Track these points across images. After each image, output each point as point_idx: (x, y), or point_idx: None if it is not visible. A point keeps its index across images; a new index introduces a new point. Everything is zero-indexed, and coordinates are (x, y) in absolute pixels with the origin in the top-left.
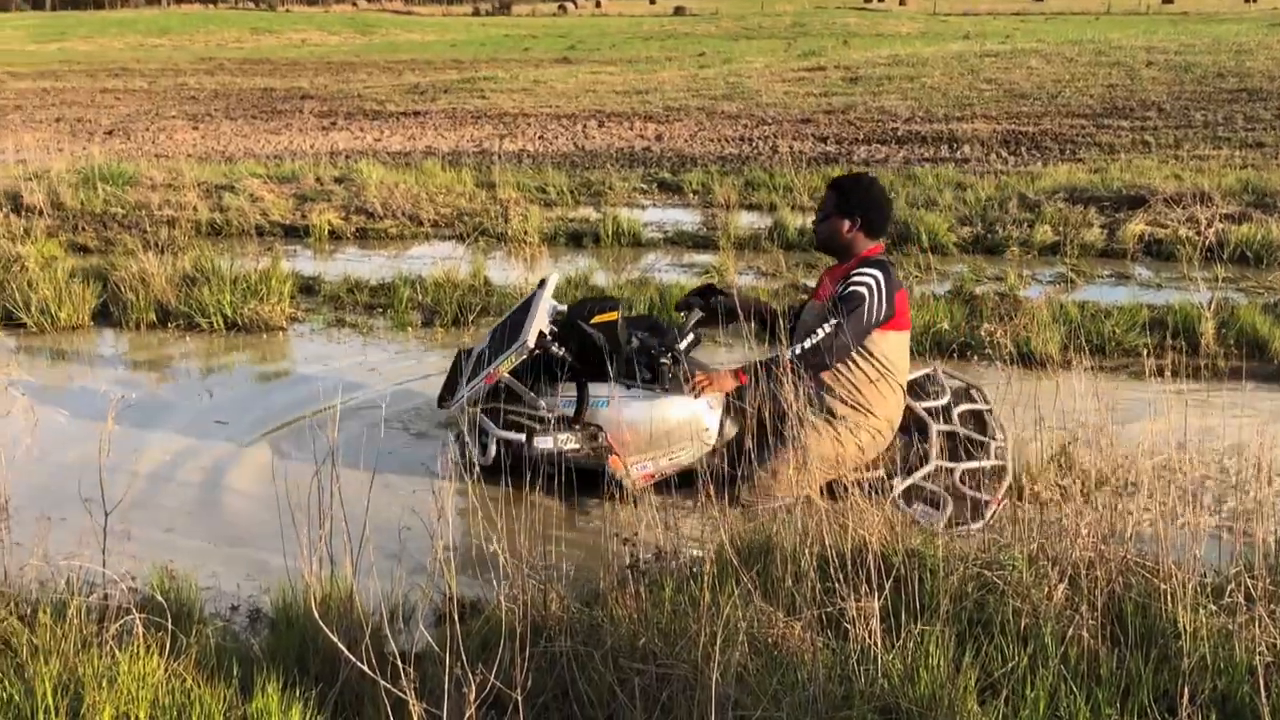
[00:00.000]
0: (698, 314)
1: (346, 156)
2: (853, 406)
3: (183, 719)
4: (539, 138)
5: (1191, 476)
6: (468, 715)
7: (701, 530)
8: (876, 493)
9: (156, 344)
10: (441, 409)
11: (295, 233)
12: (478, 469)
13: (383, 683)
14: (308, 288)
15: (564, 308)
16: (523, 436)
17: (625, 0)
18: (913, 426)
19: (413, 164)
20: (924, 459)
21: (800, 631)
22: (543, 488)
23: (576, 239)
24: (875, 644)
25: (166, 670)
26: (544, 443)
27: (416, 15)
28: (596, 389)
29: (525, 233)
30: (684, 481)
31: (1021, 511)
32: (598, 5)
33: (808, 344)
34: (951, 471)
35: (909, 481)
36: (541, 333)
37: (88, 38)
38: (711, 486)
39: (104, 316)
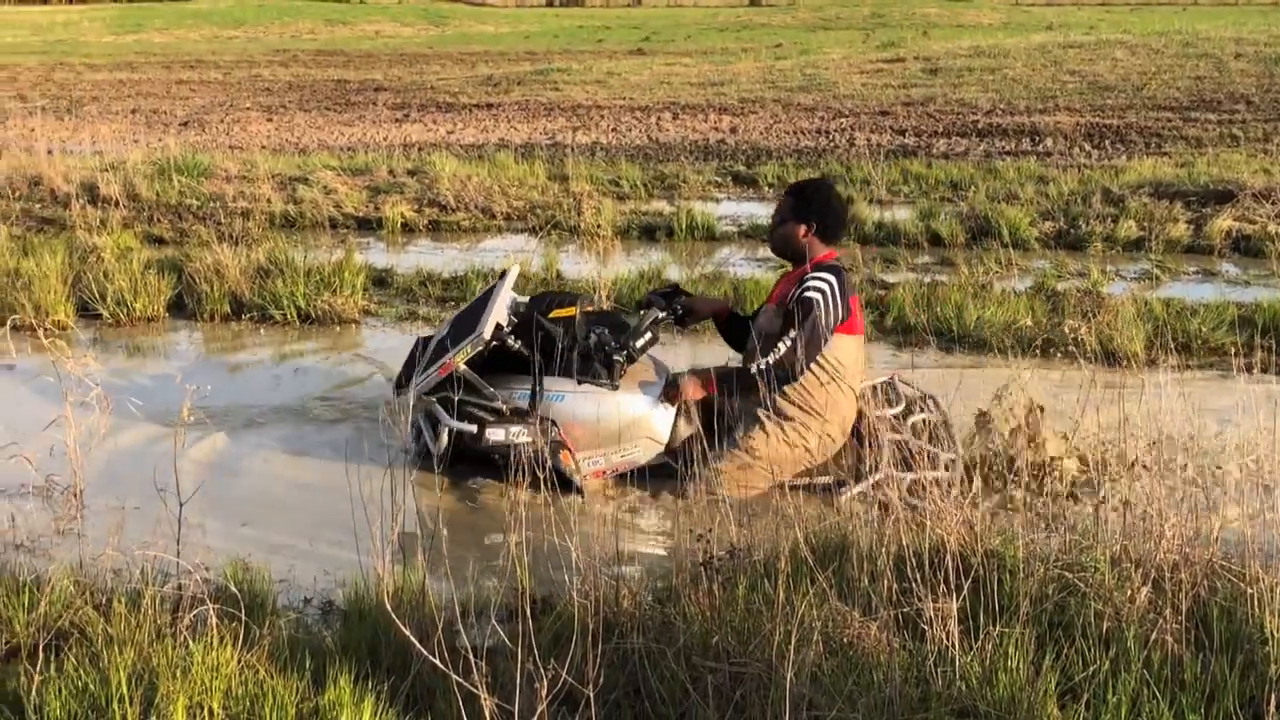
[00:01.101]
0: (656, 313)
1: (419, 149)
2: (803, 409)
3: (255, 710)
4: (612, 130)
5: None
6: (539, 711)
7: (776, 528)
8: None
9: (230, 336)
10: (397, 396)
11: (368, 225)
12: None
13: (455, 677)
14: (380, 280)
15: (525, 300)
16: (474, 428)
17: None
18: (865, 433)
19: (485, 156)
20: (874, 466)
21: (876, 632)
22: (616, 483)
23: (650, 232)
24: (953, 645)
25: (239, 661)
26: (496, 435)
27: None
28: (552, 383)
29: (598, 226)
30: (648, 475)
31: (1103, 512)
32: None
33: (771, 359)
34: (901, 481)
35: (859, 488)
36: (499, 324)
37: (164, 29)
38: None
39: (178, 308)
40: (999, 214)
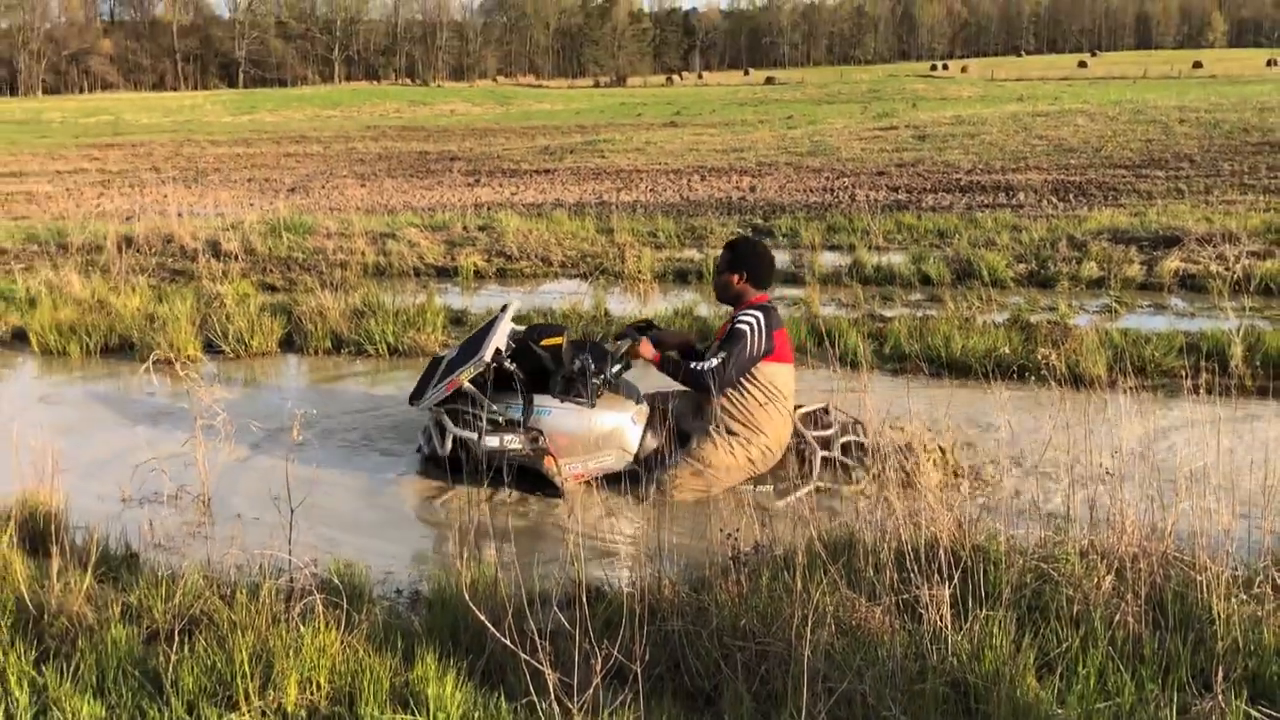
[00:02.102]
0: (629, 343)
1: (488, 208)
2: (744, 424)
3: (356, 684)
4: (650, 190)
5: (1222, 480)
6: (594, 684)
7: (793, 527)
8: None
9: (332, 367)
10: (412, 406)
11: (446, 273)
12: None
13: (523, 655)
14: (456, 319)
15: (522, 330)
16: (475, 435)
17: (723, 73)
18: (802, 450)
19: (544, 214)
20: (806, 478)
21: (880, 615)
22: (657, 493)
23: (683, 276)
24: (946, 627)
25: (342, 643)
26: (492, 441)
27: (546, 88)
28: (540, 400)
29: (639, 271)
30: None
31: (1073, 511)
32: (700, 77)
33: (703, 367)
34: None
35: (793, 497)
36: (498, 350)
37: (274, 110)
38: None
39: (288, 344)
40: (980, 258)
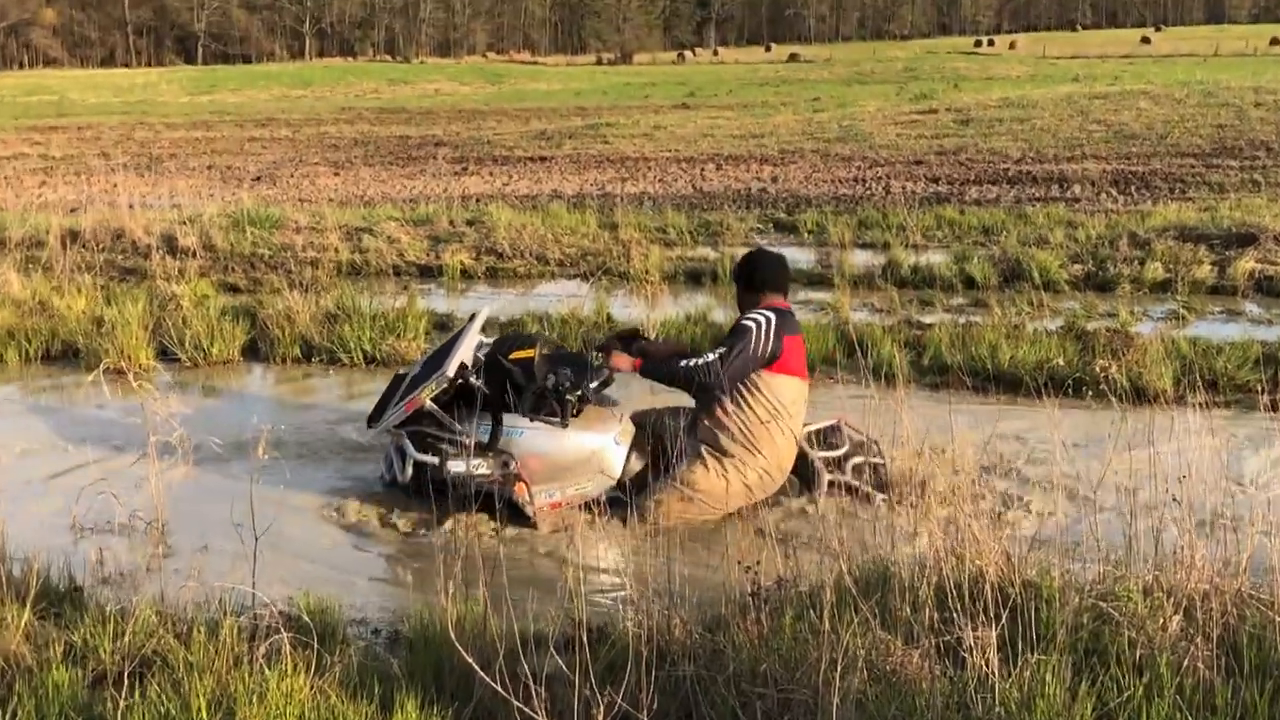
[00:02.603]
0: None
1: (477, 200)
2: (743, 445)
3: None
4: (659, 180)
5: None
6: None
7: (820, 560)
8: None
9: (301, 378)
10: (370, 430)
11: (429, 272)
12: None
13: (515, 703)
14: (441, 324)
15: (490, 342)
16: (437, 460)
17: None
18: (808, 474)
19: (539, 207)
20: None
21: (918, 660)
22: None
23: (695, 277)
24: (992, 673)
25: (312, 688)
26: (457, 466)
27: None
28: (511, 419)
29: (646, 271)
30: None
31: (1136, 543)
32: (715, 54)
33: (698, 362)
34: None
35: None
36: (463, 364)
37: (236, 90)
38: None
39: (252, 352)
40: (1030, 257)
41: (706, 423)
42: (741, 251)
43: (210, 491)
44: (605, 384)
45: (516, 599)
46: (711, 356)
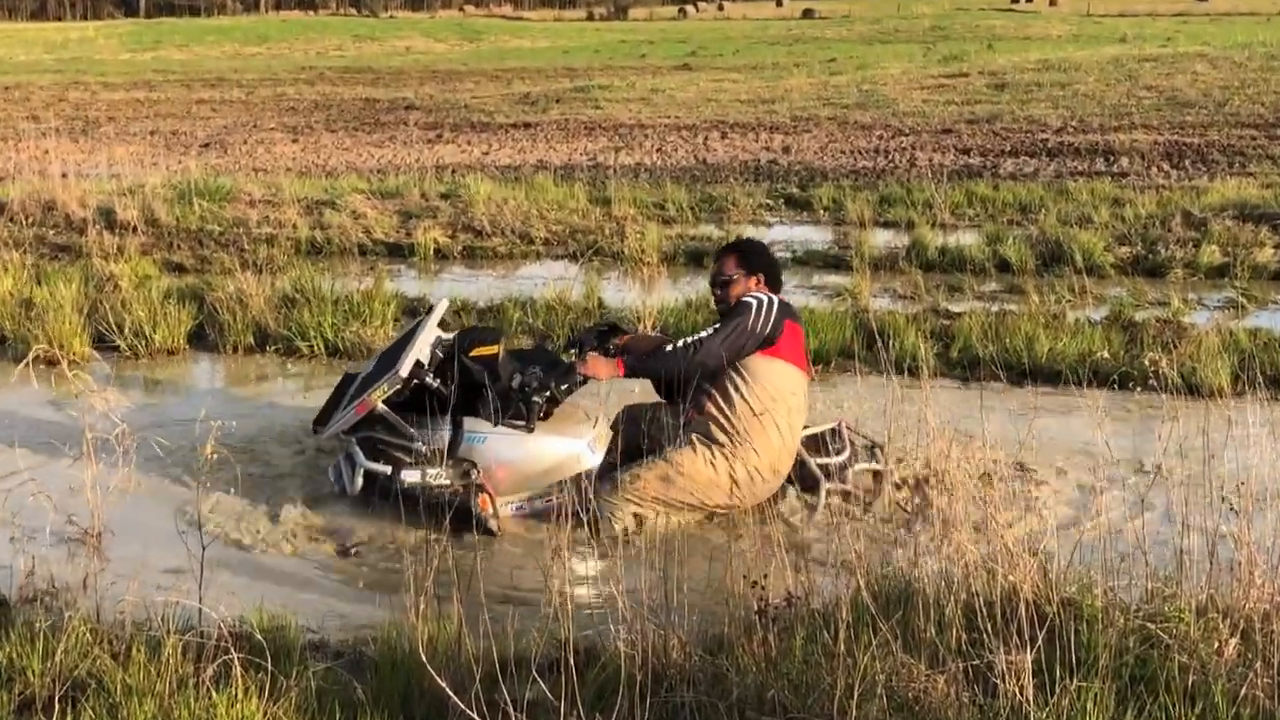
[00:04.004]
0: (587, 352)
1: (453, 171)
2: (733, 436)
3: None
4: (657, 150)
5: None
6: None
7: (835, 574)
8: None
9: (254, 369)
10: (316, 435)
11: (399, 251)
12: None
13: None
14: (412, 310)
15: (450, 337)
16: (389, 469)
17: (750, 3)
18: (805, 481)
19: (523, 179)
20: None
21: (944, 686)
22: (663, 525)
23: (697, 258)
24: (1027, 701)
25: (265, 714)
26: (411, 476)
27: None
28: (473, 424)
29: (642, 251)
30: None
31: (1188, 557)
32: (720, 8)
33: (688, 339)
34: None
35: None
36: (418, 362)
37: (183, 46)
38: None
39: (199, 339)
40: (1071, 238)
41: (698, 415)
42: (749, 231)
43: (153, 495)
44: (578, 383)
45: (495, 616)
46: (705, 333)
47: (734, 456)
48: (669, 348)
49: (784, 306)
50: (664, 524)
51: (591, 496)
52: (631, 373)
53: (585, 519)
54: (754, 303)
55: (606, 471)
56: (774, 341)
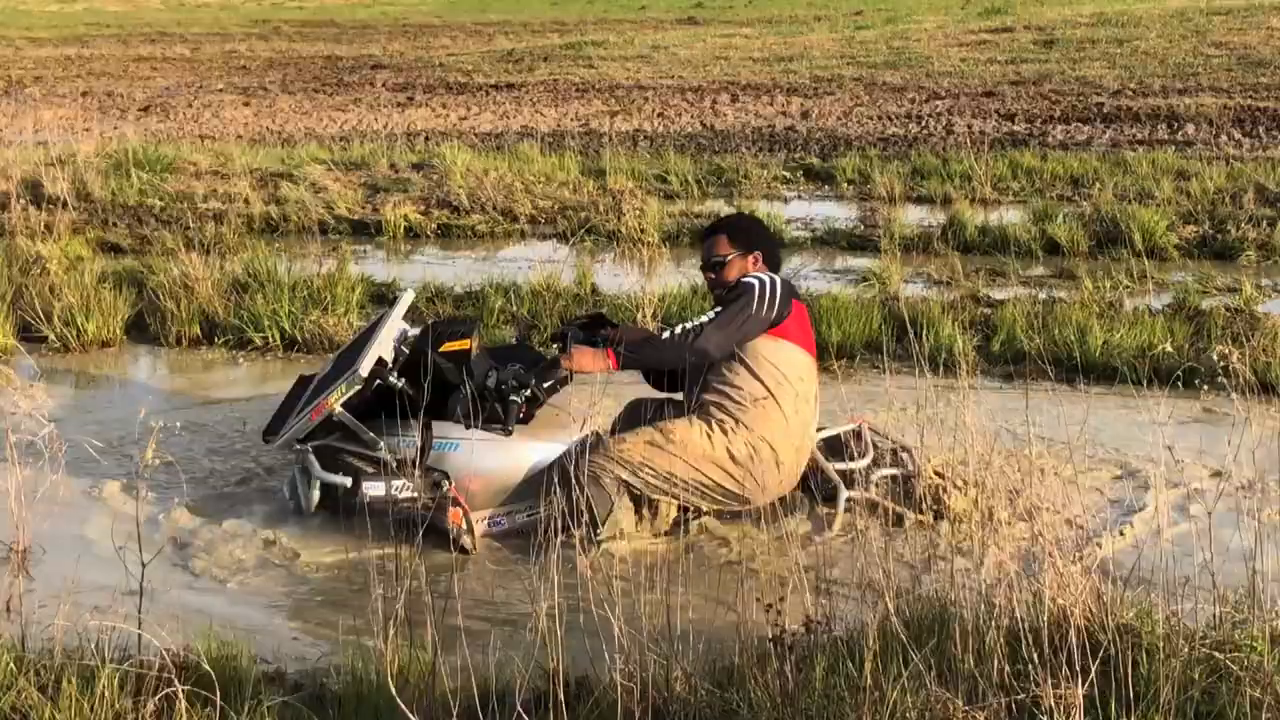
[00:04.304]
0: (566, 352)
1: (426, 138)
2: (733, 416)
3: None
4: (658, 115)
5: None
6: None
7: (861, 596)
8: None
9: (200, 364)
10: (267, 444)
11: (365, 230)
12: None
13: None
14: (379, 296)
15: (417, 331)
16: (349, 481)
17: None
18: (823, 489)
19: (505, 147)
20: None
21: None
22: (667, 541)
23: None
24: None
25: None
26: (374, 489)
27: None
28: (444, 429)
29: (641, 230)
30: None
31: (1261, 579)
32: None
33: (686, 325)
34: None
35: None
36: (381, 359)
37: None
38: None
39: (139, 330)
40: (1130, 216)
41: (697, 402)
42: (763, 208)
43: (86, 506)
44: (561, 381)
45: (474, 644)
46: (706, 318)
47: (733, 432)
48: (665, 335)
49: (788, 285)
50: (663, 513)
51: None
52: (625, 364)
53: (578, 533)
54: (756, 283)
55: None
56: (783, 320)
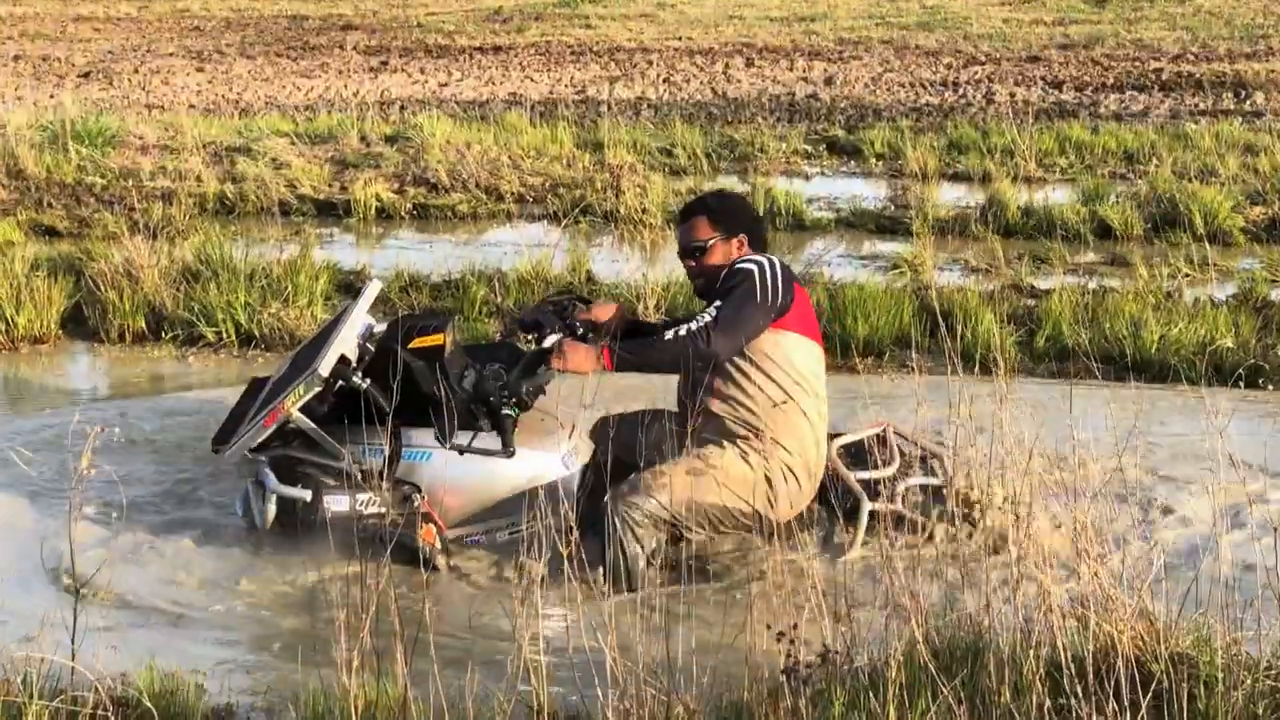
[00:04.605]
0: (550, 337)
1: (402, 107)
2: (754, 432)
3: None
4: (664, 81)
5: None
6: None
7: (885, 623)
8: None
9: (146, 362)
10: (216, 455)
11: (332, 210)
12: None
13: None
14: (347, 285)
15: (383, 326)
16: (308, 495)
17: None
18: (843, 501)
19: (491, 117)
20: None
21: None
22: (666, 561)
23: None
24: None
25: None
26: (337, 503)
27: None
28: (416, 437)
29: (643, 210)
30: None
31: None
32: None
33: (691, 326)
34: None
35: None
36: (343, 358)
37: None
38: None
39: (76, 324)
40: (1190, 196)
41: (704, 419)
42: (780, 185)
43: (14, 522)
44: (546, 379)
45: (449, 676)
46: (708, 317)
47: (766, 454)
48: (669, 335)
49: (786, 268)
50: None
51: (586, 511)
52: (620, 366)
53: (565, 550)
54: (754, 268)
55: (599, 490)
56: (788, 309)
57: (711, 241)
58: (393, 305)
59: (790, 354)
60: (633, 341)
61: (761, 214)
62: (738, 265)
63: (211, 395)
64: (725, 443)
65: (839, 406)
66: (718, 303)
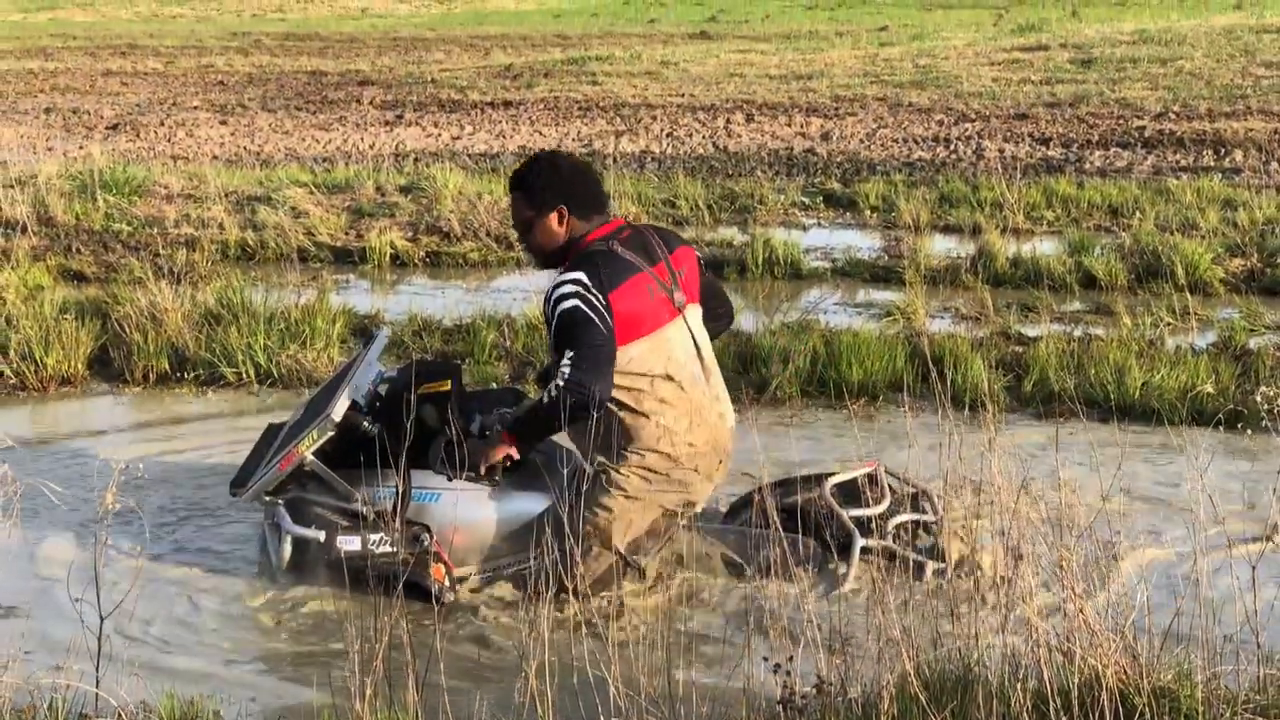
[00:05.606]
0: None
1: (416, 160)
2: (626, 450)
3: None
4: (667, 136)
5: None
6: None
7: (877, 655)
8: None
9: (169, 401)
10: (234, 498)
11: (348, 257)
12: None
13: None
14: (362, 329)
15: (393, 373)
16: (322, 535)
17: None
18: (837, 538)
19: (501, 169)
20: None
21: None
22: (666, 594)
23: (716, 268)
24: None
25: None
26: (349, 544)
27: None
28: (425, 479)
29: None
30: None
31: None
32: None
33: (553, 390)
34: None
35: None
36: (354, 404)
37: (86, 5)
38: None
39: (103, 364)
40: (1172, 248)
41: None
42: (779, 236)
43: (43, 554)
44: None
45: (458, 705)
46: (566, 369)
47: (623, 473)
48: (544, 399)
49: (597, 275)
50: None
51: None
52: (524, 441)
53: (570, 584)
54: (576, 302)
55: None
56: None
57: (529, 218)
58: (406, 349)
59: (635, 364)
60: (523, 418)
61: (586, 166)
62: (559, 305)
63: (231, 433)
64: (597, 490)
65: (833, 450)
66: (568, 352)
